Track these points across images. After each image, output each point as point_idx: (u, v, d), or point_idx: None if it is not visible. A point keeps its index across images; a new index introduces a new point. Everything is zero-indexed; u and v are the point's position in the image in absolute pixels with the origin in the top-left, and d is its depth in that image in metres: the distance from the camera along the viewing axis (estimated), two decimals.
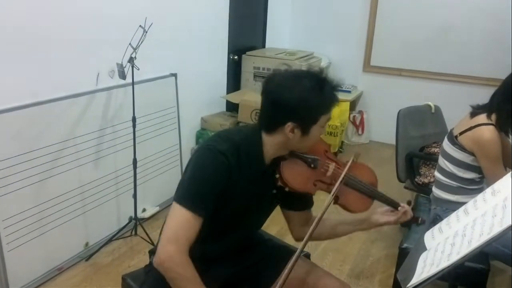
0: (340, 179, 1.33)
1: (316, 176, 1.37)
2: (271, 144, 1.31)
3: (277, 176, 1.33)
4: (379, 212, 1.45)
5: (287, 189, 1.34)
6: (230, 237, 1.41)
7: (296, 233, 1.55)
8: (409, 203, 1.49)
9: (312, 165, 1.36)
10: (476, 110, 1.89)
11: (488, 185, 1.84)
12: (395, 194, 3.42)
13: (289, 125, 1.25)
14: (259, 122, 1.33)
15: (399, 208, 1.43)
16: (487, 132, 1.80)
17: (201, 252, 1.29)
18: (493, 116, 1.82)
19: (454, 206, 1.83)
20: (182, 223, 1.22)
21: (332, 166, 1.41)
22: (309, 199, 1.52)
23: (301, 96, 1.22)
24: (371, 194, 1.45)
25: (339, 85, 1.29)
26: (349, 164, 1.39)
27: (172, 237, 1.21)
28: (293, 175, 1.33)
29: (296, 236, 1.56)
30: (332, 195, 1.30)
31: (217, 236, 1.40)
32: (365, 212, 1.45)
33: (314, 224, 1.23)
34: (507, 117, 1.79)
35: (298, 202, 1.48)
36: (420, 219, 1.50)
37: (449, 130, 2.06)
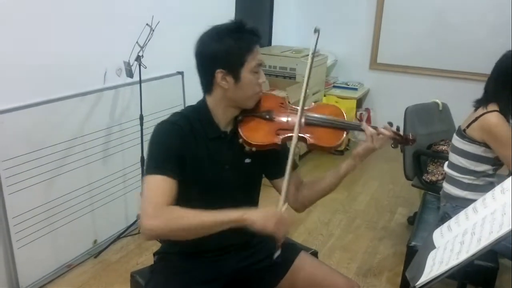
0: (298, 116, 1.35)
1: (275, 126, 1.39)
2: (215, 104, 1.37)
3: (240, 140, 1.37)
4: (360, 144, 1.41)
5: (254, 148, 1.36)
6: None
7: (294, 203, 1.50)
8: (390, 124, 1.45)
9: (268, 116, 1.40)
10: (476, 105, 1.97)
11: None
12: (402, 192, 3.43)
13: (219, 73, 1.30)
14: (202, 89, 1.40)
15: (363, 126, 1.39)
16: (492, 117, 1.85)
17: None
18: (493, 105, 1.88)
19: (464, 202, 1.84)
20: (155, 189, 1.24)
21: (288, 112, 1.43)
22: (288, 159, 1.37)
23: (220, 41, 1.29)
24: (338, 125, 1.42)
25: (256, 27, 1.33)
26: (301, 102, 1.36)
27: (151, 211, 1.20)
28: (252, 132, 1.37)
29: (296, 206, 1.51)
30: (297, 133, 1.33)
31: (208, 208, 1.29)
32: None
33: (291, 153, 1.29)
34: (507, 103, 1.85)
35: (278, 166, 1.42)
36: (410, 135, 1.42)
37: (457, 128, 2.08)
